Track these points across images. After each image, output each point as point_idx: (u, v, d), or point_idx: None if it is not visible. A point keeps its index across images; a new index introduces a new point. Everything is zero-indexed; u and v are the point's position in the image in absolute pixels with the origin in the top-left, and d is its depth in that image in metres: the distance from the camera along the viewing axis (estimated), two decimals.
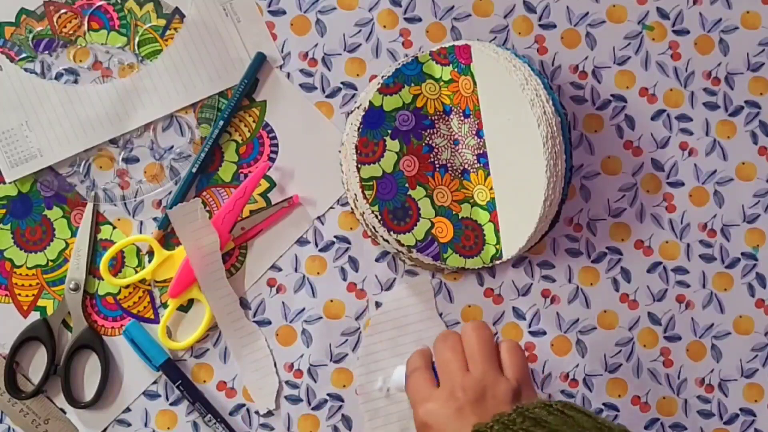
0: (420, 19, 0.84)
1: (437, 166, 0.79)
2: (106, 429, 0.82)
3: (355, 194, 0.79)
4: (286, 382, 0.83)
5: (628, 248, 0.84)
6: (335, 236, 0.83)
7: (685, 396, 0.84)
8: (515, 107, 0.77)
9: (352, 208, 0.83)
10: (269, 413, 0.83)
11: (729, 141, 0.85)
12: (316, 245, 0.83)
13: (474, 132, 0.79)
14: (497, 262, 0.79)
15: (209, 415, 0.81)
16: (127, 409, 0.82)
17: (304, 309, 0.83)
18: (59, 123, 0.81)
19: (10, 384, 0.80)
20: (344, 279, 0.83)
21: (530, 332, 0.84)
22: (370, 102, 0.78)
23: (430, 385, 0.69)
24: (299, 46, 0.83)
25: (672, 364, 0.84)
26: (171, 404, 0.82)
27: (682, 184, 0.85)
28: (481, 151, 0.79)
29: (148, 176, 0.82)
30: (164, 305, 0.82)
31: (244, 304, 0.83)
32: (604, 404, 0.84)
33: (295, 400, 0.83)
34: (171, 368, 0.81)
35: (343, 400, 0.83)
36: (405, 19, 0.84)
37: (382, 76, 0.79)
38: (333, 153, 0.83)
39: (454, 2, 0.84)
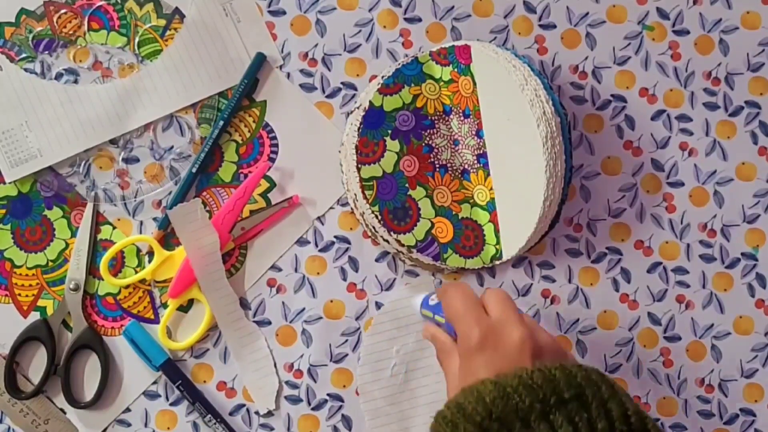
0: (420, 19, 0.84)
1: (437, 166, 0.79)
2: (106, 429, 0.82)
3: (355, 194, 0.79)
4: (286, 382, 0.83)
5: (628, 248, 0.84)
6: (335, 236, 0.83)
7: (685, 396, 0.84)
8: (515, 107, 0.77)
9: (352, 208, 0.83)
10: (269, 413, 0.83)
11: (729, 141, 0.85)
12: (316, 245, 0.83)
13: (474, 132, 0.79)
14: (497, 262, 0.79)
15: (209, 415, 0.81)
16: (127, 409, 0.82)
17: (304, 309, 0.83)
18: (59, 123, 0.81)
19: (10, 384, 0.80)
20: (344, 279, 0.83)
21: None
22: (370, 102, 0.78)
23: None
24: (299, 46, 0.83)
25: (672, 364, 0.84)
26: (171, 404, 0.82)
27: (682, 184, 0.85)
28: (481, 152, 0.79)
29: (148, 176, 0.82)
30: (164, 305, 0.82)
31: (244, 304, 0.83)
32: None
33: (295, 400, 0.83)
34: (171, 368, 0.81)
35: (343, 400, 0.83)
36: (405, 19, 0.84)
37: (382, 76, 0.79)
38: (333, 153, 0.83)
39: (454, 2, 0.84)
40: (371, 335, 0.83)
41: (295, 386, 0.83)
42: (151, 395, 0.82)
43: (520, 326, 0.65)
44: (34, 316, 0.82)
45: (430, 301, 0.74)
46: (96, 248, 0.82)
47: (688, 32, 0.85)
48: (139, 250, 0.82)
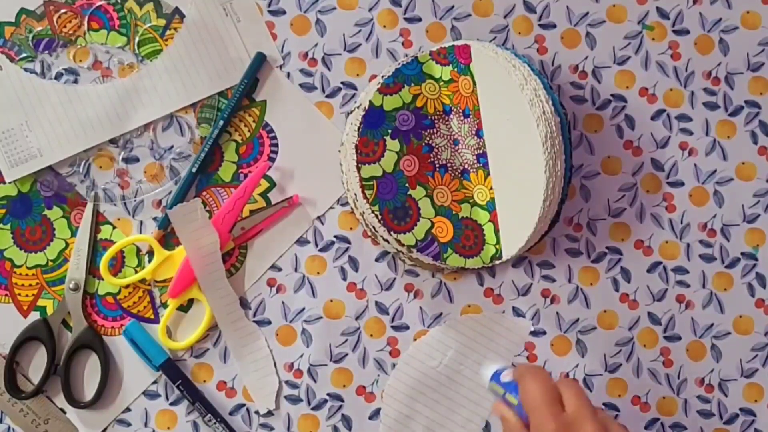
0: (420, 19, 0.84)
1: (437, 166, 0.79)
2: (106, 429, 0.82)
3: (355, 194, 0.79)
4: (286, 382, 0.83)
5: (628, 248, 0.84)
6: (335, 236, 0.83)
7: (685, 396, 0.84)
8: (515, 107, 0.77)
9: (352, 208, 0.83)
10: (269, 413, 0.83)
11: (729, 141, 0.85)
12: (316, 245, 0.83)
13: (474, 132, 0.79)
14: (497, 262, 0.79)
15: (209, 415, 0.81)
16: (127, 409, 0.82)
17: (304, 309, 0.83)
18: (59, 123, 0.81)
19: (10, 384, 0.80)
20: (344, 279, 0.83)
21: (530, 332, 0.84)
22: (370, 102, 0.78)
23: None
24: (299, 46, 0.83)
25: (672, 364, 0.84)
26: (171, 404, 0.82)
27: (682, 184, 0.85)
28: (481, 151, 0.79)
29: (148, 176, 0.82)
30: (164, 305, 0.82)
31: (244, 304, 0.83)
32: (604, 404, 0.84)
33: (295, 400, 0.83)
34: (171, 368, 0.81)
35: (343, 400, 0.83)
36: (405, 19, 0.84)
37: (382, 76, 0.79)
38: (333, 153, 0.83)
39: (454, 2, 0.84)
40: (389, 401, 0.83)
41: (295, 386, 0.83)
42: (151, 395, 0.82)
43: (594, 423, 0.65)
44: (34, 315, 0.82)
45: (503, 377, 0.71)
46: (96, 248, 0.82)
47: (688, 32, 0.85)
48: (139, 250, 0.82)
